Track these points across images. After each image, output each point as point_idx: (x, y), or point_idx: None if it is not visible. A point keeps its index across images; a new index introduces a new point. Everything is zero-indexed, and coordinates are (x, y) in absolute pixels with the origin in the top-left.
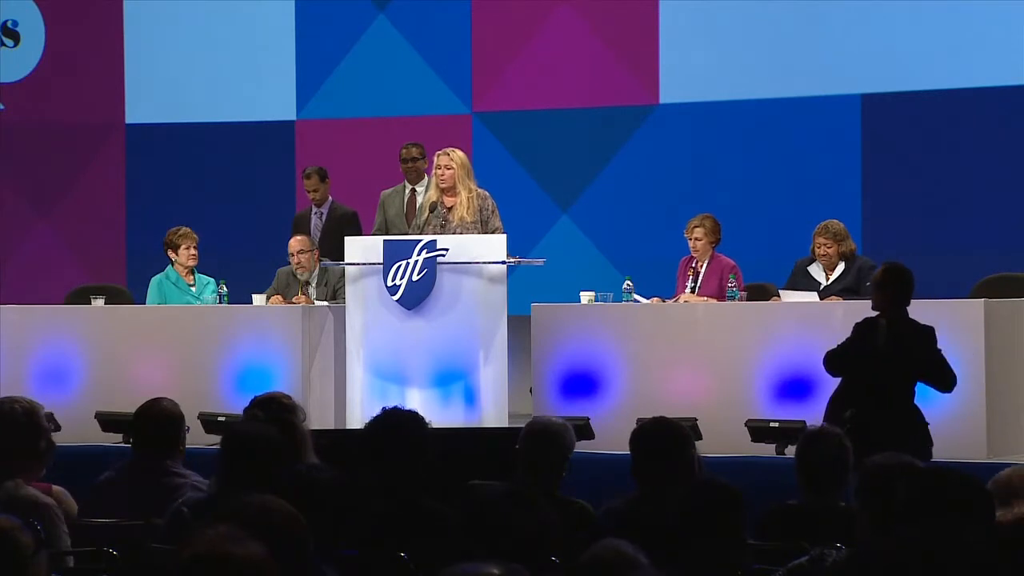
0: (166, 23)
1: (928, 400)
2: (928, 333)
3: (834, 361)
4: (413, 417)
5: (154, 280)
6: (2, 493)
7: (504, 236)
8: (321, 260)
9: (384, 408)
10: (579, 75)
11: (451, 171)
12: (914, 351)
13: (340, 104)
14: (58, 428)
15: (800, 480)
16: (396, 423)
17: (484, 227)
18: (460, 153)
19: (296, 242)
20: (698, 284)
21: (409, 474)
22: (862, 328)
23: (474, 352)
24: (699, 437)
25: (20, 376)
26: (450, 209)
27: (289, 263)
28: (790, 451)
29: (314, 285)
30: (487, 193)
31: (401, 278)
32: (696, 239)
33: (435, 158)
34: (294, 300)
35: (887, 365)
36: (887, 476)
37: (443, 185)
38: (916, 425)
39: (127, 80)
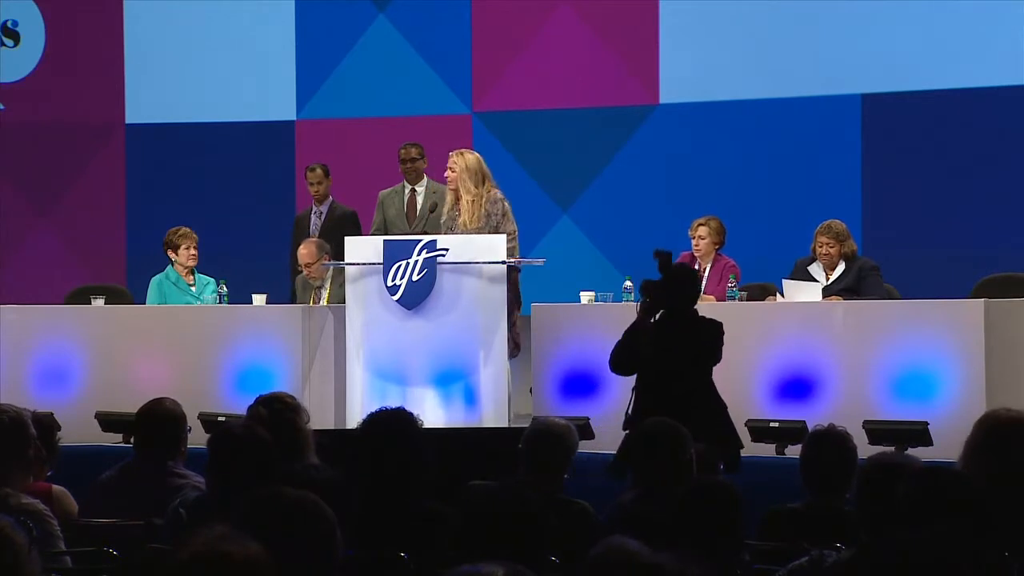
0: (166, 23)
1: (928, 400)
2: (713, 327)
3: (623, 352)
4: (402, 416)
5: (154, 280)
6: None
7: (504, 236)
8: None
9: (370, 414)
10: (579, 75)
11: (454, 174)
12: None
13: (340, 104)
14: (58, 428)
15: (805, 481)
16: (385, 424)
17: (495, 232)
18: (469, 156)
19: (304, 255)
20: (703, 285)
21: (404, 473)
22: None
23: (474, 352)
24: None
25: (20, 376)
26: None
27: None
28: (790, 451)
29: (327, 288)
30: (499, 196)
31: (401, 278)
32: (700, 238)
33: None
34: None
35: (672, 358)
36: (886, 476)
37: (449, 187)
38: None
39: (127, 80)
